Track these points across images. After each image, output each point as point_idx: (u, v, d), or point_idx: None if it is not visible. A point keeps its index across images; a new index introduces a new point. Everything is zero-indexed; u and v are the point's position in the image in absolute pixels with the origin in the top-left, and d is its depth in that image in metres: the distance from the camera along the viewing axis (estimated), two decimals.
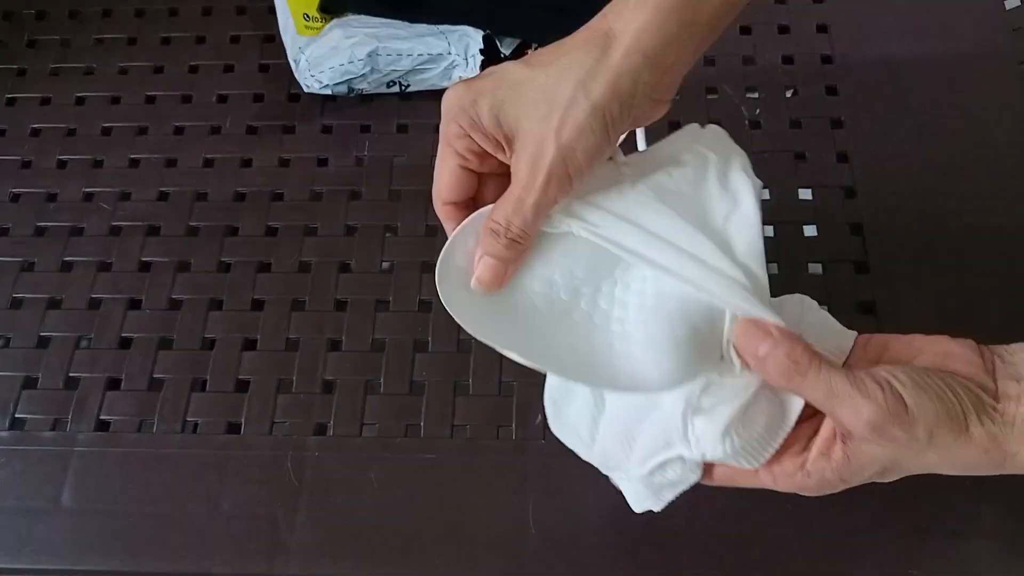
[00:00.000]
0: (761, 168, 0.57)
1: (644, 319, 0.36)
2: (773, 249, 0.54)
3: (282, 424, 0.51)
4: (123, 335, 0.55)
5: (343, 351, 0.53)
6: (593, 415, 0.39)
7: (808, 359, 0.32)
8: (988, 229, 0.54)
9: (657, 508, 0.38)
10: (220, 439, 0.51)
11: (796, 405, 0.34)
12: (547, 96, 0.33)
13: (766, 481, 0.35)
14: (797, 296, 0.39)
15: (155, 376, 0.53)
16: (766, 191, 0.57)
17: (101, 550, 0.48)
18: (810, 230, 0.56)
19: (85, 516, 0.49)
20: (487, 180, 0.37)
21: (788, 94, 0.61)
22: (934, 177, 0.56)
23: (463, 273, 0.37)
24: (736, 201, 0.37)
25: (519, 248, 0.35)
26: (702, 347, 0.35)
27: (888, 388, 0.31)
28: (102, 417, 0.52)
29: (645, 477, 0.37)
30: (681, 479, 0.37)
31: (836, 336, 0.37)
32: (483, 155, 0.36)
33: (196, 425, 0.52)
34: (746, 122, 0.60)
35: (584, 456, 0.40)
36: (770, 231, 0.55)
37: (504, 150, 0.35)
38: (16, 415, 0.53)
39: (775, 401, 0.35)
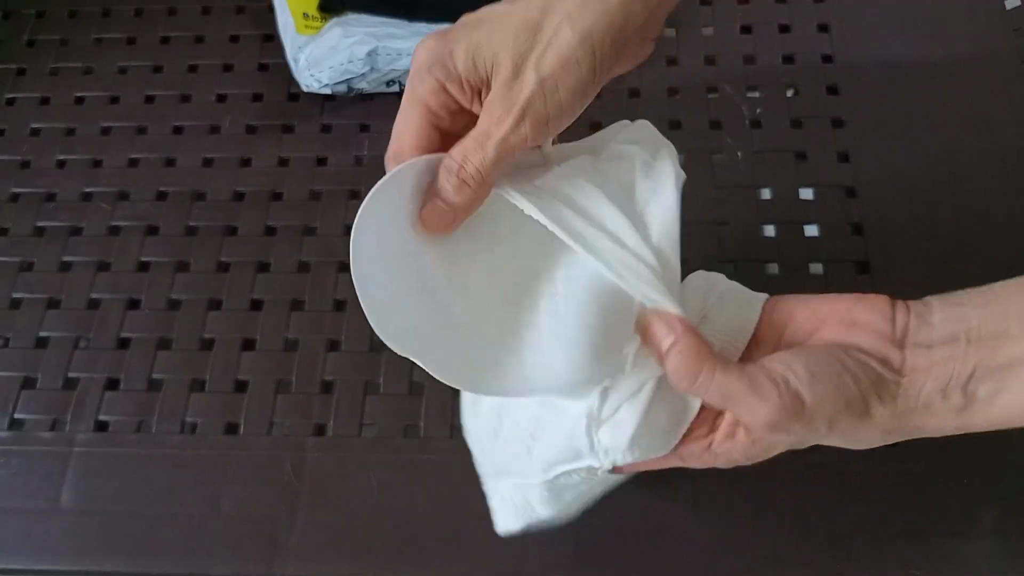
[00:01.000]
0: (761, 167, 0.57)
1: (555, 308, 0.34)
2: (774, 249, 0.54)
3: (281, 424, 0.51)
4: (122, 335, 0.55)
5: (342, 351, 0.53)
6: (499, 414, 0.38)
7: (701, 362, 0.30)
8: (990, 229, 0.54)
9: (517, 528, 0.38)
10: (219, 439, 0.51)
11: (695, 400, 0.34)
12: (529, 27, 0.30)
13: (674, 462, 0.35)
14: (701, 272, 0.38)
15: (154, 376, 0.53)
16: (767, 190, 0.57)
17: (100, 550, 0.48)
18: (811, 230, 0.56)
19: (84, 516, 0.49)
20: (452, 141, 0.33)
21: (789, 93, 0.61)
22: (935, 177, 0.56)
23: (388, 224, 0.32)
24: (656, 188, 0.36)
25: (469, 193, 0.31)
26: (611, 337, 0.33)
27: (784, 386, 0.30)
28: (101, 417, 0.52)
29: (548, 482, 0.36)
30: (585, 480, 0.36)
31: (745, 306, 0.36)
32: (457, 112, 0.32)
33: (195, 425, 0.52)
34: (746, 121, 0.59)
35: (479, 458, 0.40)
36: (771, 231, 0.55)
37: (481, 98, 0.32)
38: (15, 415, 0.52)
39: (675, 395, 0.34)
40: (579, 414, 0.34)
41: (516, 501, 0.38)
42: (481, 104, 0.32)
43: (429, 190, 0.32)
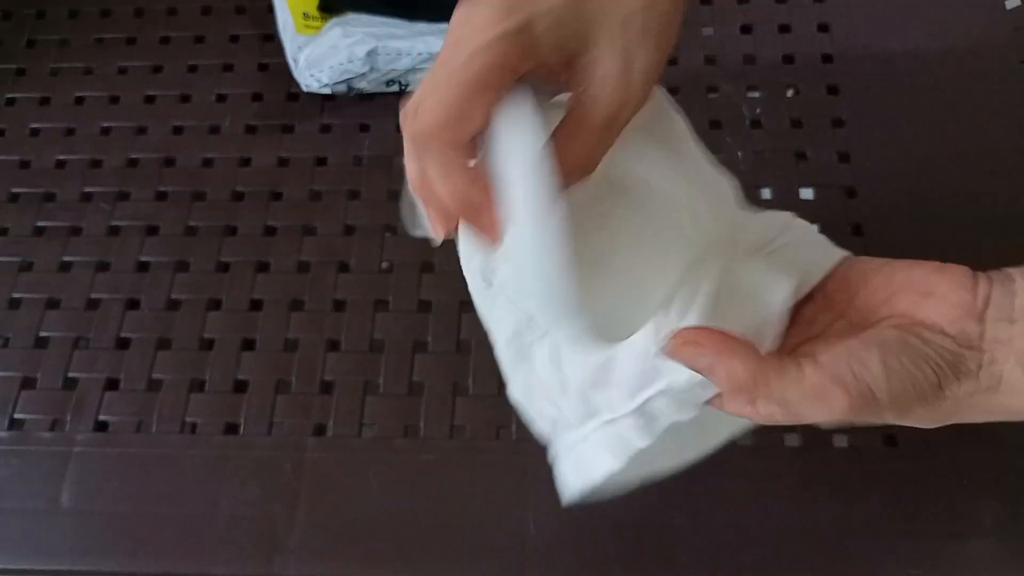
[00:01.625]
0: (761, 167, 0.57)
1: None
2: None
3: (281, 424, 0.51)
4: (122, 335, 0.55)
5: (342, 351, 0.53)
6: (559, 365, 0.37)
7: (759, 378, 0.29)
8: (990, 229, 0.54)
9: (615, 466, 0.35)
10: (219, 439, 0.51)
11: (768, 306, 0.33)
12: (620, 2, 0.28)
13: (745, 405, 0.32)
14: (787, 213, 0.37)
15: (154, 376, 0.53)
16: (767, 190, 0.57)
17: (100, 550, 0.48)
18: None
19: (84, 516, 0.49)
20: None
21: (789, 93, 0.61)
22: (935, 177, 0.56)
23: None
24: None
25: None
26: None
27: (854, 383, 0.29)
28: (101, 417, 0.52)
29: (638, 409, 0.34)
30: (674, 406, 0.34)
31: (822, 253, 0.35)
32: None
33: (195, 425, 0.52)
34: (747, 121, 0.60)
35: (548, 421, 0.38)
36: None
37: (564, 66, 0.29)
38: (15, 415, 0.52)
39: (744, 297, 0.33)
40: (648, 332, 0.32)
41: (609, 438, 0.35)
42: (567, 72, 0.29)
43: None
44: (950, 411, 0.30)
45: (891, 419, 0.30)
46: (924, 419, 0.30)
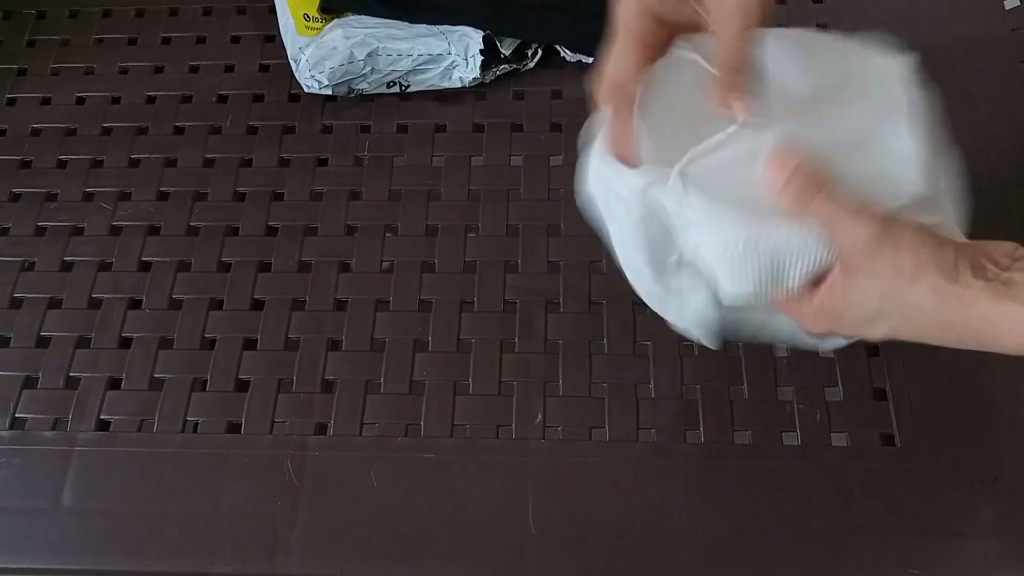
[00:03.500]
0: None
1: None
2: None
3: (282, 424, 0.51)
4: (123, 335, 0.55)
5: (343, 351, 0.53)
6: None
7: (815, 186, 0.33)
8: (990, 230, 0.54)
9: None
10: (220, 439, 0.51)
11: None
12: None
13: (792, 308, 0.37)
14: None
15: (155, 376, 0.53)
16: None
17: (101, 549, 0.48)
18: None
19: (85, 516, 0.49)
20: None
21: None
22: None
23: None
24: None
25: (745, 80, 0.36)
26: None
27: (886, 220, 0.32)
28: (102, 417, 0.52)
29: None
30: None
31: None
32: (666, 41, 0.38)
33: (196, 425, 0.52)
34: None
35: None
36: None
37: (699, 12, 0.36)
38: (16, 415, 0.53)
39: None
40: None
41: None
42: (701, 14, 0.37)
43: (721, 91, 0.36)
44: (957, 306, 0.32)
45: (907, 273, 0.32)
46: (936, 307, 0.32)
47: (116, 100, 0.65)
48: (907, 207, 0.35)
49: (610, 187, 0.39)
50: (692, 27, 0.38)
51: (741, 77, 0.36)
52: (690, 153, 0.36)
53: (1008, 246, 0.34)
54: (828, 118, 0.38)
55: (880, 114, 0.38)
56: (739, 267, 0.35)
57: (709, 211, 0.36)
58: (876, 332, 0.34)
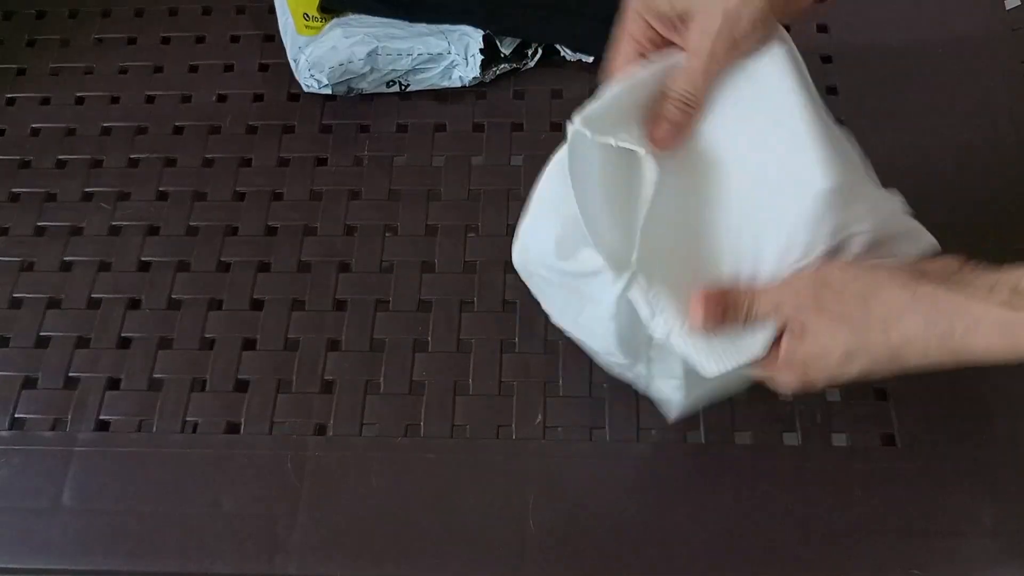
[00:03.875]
0: None
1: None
2: None
3: (282, 424, 0.51)
4: (123, 335, 0.55)
5: (343, 351, 0.53)
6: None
7: (726, 308, 0.36)
8: (990, 230, 0.54)
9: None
10: (220, 439, 0.51)
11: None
12: None
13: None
14: (883, 193, 0.40)
15: (155, 376, 0.53)
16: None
17: (101, 549, 0.48)
18: None
19: (85, 516, 0.49)
20: None
21: None
22: (935, 178, 0.56)
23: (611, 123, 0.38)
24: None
25: (690, 113, 0.38)
26: None
27: (810, 272, 0.35)
28: (102, 417, 0.52)
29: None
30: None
31: (914, 240, 0.39)
32: (660, 43, 0.39)
33: (196, 425, 0.52)
34: None
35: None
36: None
37: (677, 30, 0.38)
38: (16, 415, 0.53)
39: None
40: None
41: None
42: (676, 33, 0.38)
43: (657, 114, 0.38)
44: (919, 312, 0.32)
45: (859, 304, 0.33)
46: (899, 318, 0.33)
47: (116, 100, 0.65)
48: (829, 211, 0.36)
49: (569, 283, 0.40)
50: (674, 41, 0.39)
51: (678, 108, 0.38)
52: (637, 239, 0.37)
53: (950, 262, 0.35)
54: (735, 160, 0.39)
55: (776, 129, 0.38)
56: (714, 348, 0.36)
57: (675, 303, 0.37)
58: (852, 369, 0.34)
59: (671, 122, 0.38)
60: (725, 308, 0.36)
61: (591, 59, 0.62)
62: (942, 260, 0.35)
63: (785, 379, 0.36)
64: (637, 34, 0.38)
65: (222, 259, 0.57)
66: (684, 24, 0.37)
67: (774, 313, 0.36)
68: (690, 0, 0.36)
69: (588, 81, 0.62)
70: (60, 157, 0.63)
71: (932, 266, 0.35)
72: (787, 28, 0.63)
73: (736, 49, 0.36)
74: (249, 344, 0.54)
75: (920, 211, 0.55)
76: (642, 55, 0.39)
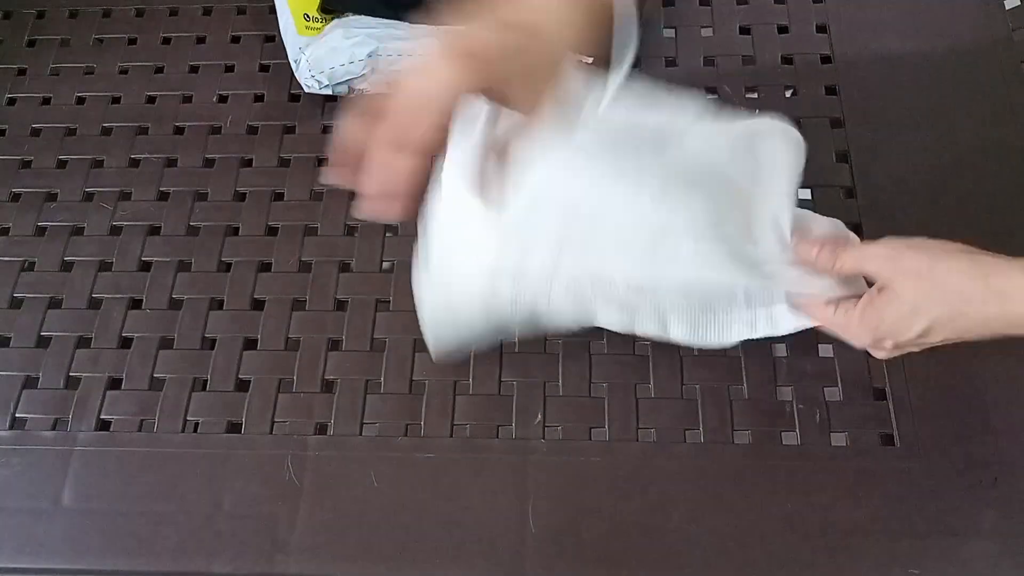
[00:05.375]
0: None
1: None
2: None
3: (282, 423, 0.51)
4: (124, 335, 0.55)
5: (343, 351, 0.53)
6: None
7: (836, 252, 0.41)
8: (989, 229, 0.54)
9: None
10: (221, 438, 0.51)
11: None
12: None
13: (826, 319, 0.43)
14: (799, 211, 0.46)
15: (156, 375, 0.53)
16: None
17: (102, 549, 0.48)
18: None
19: (86, 515, 0.49)
20: None
21: (787, 94, 0.61)
22: (934, 177, 0.57)
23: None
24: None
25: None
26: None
27: (892, 239, 0.38)
28: (103, 416, 0.52)
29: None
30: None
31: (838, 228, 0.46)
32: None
33: (197, 424, 0.52)
34: None
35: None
36: None
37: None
38: (16, 415, 0.53)
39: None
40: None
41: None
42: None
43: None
44: (979, 280, 0.35)
45: (938, 255, 0.37)
46: (963, 287, 0.36)
47: (116, 100, 0.65)
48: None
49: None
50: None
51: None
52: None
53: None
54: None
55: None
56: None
57: None
58: (915, 329, 0.36)
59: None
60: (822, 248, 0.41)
61: (591, 59, 0.62)
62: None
63: (860, 335, 0.39)
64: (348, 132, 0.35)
65: (223, 259, 0.57)
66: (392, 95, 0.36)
67: (867, 266, 0.39)
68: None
69: (587, 81, 0.62)
70: (60, 157, 0.63)
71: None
72: (786, 28, 0.63)
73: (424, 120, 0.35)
74: (250, 344, 0.54)
75: (920, 210, 0.55)
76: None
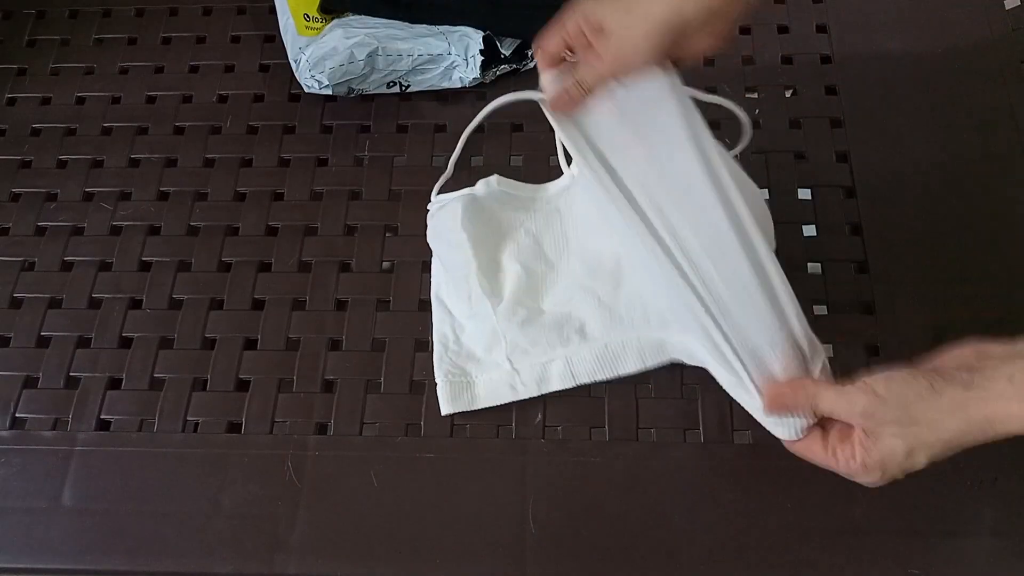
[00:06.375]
0: (761, 168, 0.58)
1: None
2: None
3: (282, 423, 0.51)
4: (124, 335, 0.55)
5: (343, 351, 0.53)
6: None
7: (811, 393, 0.41)
8: (988, 229, 0.54)
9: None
10: (221, 438, 0.51)
11: None
12: (629, 6, 0.44)
13: (807, 452, 0.43)
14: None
15: (156, 375, 0.53)
16: (766, 191, 0.57)
17: (101, 549, 0.48)
18: (809, 230, 0.56)
19: (86, 515, 0.49)
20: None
21: (787, 94, 0.61)
22: (934, 177, 0.57)
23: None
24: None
25: (582, 95, 0.46)
26: None
27: (864, 387, 0.39)
28: (103, 417, 0.52)
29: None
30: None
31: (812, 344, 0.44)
32: (582, 44, 0.45)
33: (197, 424, 0.52)
34: None
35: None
36: None
37: (598, 40, 0.45)
38: (16, 415, 0.53)
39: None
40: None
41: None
42: (598, 43, 0.44)
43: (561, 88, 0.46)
44: (950, 416, 0.37)
45: (903, 419, 0.38)
46: (933, 426, 0.37)
47: (116, 100, 0.65)
48: None
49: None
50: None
51: (576, 87, 0.45)
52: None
53: (965, 355, 0.39)
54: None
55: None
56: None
57: None
58: (919, 461, 0.38)
59: (569, 94, 0.46)
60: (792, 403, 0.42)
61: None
62: (957, 353, 0.39)
63: (868, 479, 0.40)
64: (571, 29, 0.45)
65: (223, 259, 0.57)
66: (605, 38, 0.44)
67: (845, 419, 0.40)
68: (615, 23, 0.44)
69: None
70: (60, 157, 0.63)
71: (950, 362, 0.39)
72: (786, 28, 0.63)
73: (627, 69, 0.45)
74: (250, 344, 0.54)
75: (920, 211, 0.55)
76: (568, 49, 0.46)
